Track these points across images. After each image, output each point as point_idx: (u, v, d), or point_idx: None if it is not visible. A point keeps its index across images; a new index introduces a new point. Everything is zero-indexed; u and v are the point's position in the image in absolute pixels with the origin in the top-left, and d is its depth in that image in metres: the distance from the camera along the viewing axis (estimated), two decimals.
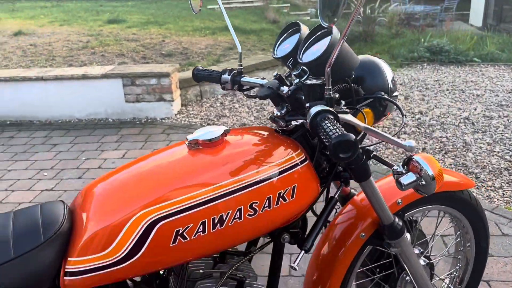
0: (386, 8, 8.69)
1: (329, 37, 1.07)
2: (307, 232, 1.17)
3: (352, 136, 0.85)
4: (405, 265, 1.39)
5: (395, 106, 1.19)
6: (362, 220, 1.34)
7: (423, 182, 1.05)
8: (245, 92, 1.28)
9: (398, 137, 1.20)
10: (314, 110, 0.95)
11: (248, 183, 1.00)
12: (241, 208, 0.99)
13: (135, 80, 4.38)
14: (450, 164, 3.14)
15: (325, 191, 1.23)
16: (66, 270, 0.90)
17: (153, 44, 6.15)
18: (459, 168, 3.08)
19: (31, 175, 3.21)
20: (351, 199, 1.39)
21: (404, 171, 1.05)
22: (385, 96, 1.16)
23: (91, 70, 4.55)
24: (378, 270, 1.50)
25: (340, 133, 0.86)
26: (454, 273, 1.72)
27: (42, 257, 0.89)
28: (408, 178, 1.07)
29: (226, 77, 1.32)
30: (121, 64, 5.26)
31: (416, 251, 1.44)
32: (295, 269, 1.14)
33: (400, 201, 1.35)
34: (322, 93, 1.00)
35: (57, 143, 3.81)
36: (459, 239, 1.66)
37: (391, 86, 1.18)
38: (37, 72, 4.62)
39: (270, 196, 1.03)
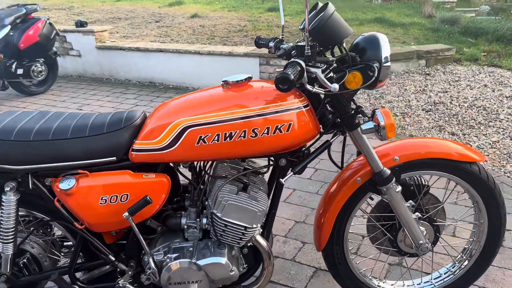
0: None
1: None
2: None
3: (290, 75, 1.23)
4: (395, 213, 1.65)
5: (389, 74, 1.48)
6: (362, 168, 1.65)
7: (380, 130, 1.35)
8: (278, 54, 1.68)
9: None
10: (290, 60, 1.34)
11: (253, 114, 1.44)
12: (245, 130, 1.44)
13: (270, 60, 4.99)
14: None
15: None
16: (133, 147, 1.49)
17: (298, 31, 6.70)
18: None
19: None
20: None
21: (368, 120, 1.37)
22: (375, 65, 1.45)
23: (237, 49, 5.33)
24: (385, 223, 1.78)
25: (284, 71, 1.24)
26: (468, 245, 1.86)
27: (120, 137, 1.49)
28: (368, 125, 1.40)
29: (271, 44, 1.74)
30: None
31: (408, 204, 1.67)
32: (282, 184, 1.55)
33: (397, 158, 1.62)
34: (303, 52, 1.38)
35: None
36: (474, 213, 1.80)
37: (383, 59, 1.46)
38: (196, 47, 5.60)
39: (269, 127, 1.45)
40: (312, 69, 1.37)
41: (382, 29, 6.95)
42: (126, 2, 10.75)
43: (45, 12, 9.00)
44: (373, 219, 1.79)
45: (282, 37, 1.73)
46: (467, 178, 1.69)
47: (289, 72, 1.25)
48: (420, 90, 4.86)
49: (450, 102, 4.41)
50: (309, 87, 1.37)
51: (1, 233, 1.53)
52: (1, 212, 1.51)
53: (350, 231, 1.77)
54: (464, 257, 1.87)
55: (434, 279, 1.91)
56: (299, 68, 1.30)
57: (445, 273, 1.90)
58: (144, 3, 10.41)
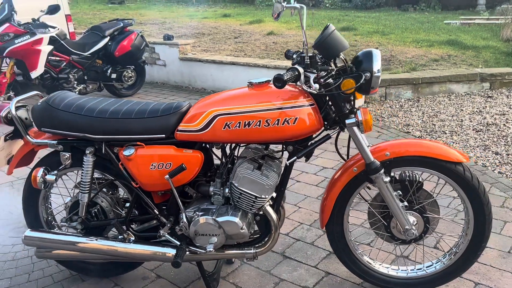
0: None
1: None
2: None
3: (283, 76, 1.63)
4: (384, 200, 1.96)
5: (379, 82, 1.83)
6: (359, 160, 1.99)
7: (360, 125, 1.72)
8: (292, 63, 2.06)
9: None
10: (291, 66, 1.74)
11: (267, 108, 1.86)
12: (260, 120, 1.86)
13: None
14: None
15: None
16: (178, 128, 1.97)
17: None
18: None
19: None
20: None
21: (352, 116, 1.75)
22: (367, 74, 1.80)
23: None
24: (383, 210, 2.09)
25: (280, 73, 1.64)
26: (458, 239, 2.09)
27: (170, 119, 1.98)
28: (350, 120, 1.76)
29: (294, 56, 2.12)
30: None
31: (395, 193, 1.96)
32: (287, 165, 1.94)
33: (388, 153, 1.94)
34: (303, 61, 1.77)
35: None
36: (463, 209, 2.03)
37: (375, 69, 1.81)
38: (265, 61, 6.13)
39: (279, 119, 1.86)
40: (308, 74, 1.76)
41: (452, 51, 6.97)
42: (212, 19, 11.68)
43: (141, 26, 10.15)
44: (372, 206, 2.11)
45: (302, 53, 2.13)
46: (453, 177, 1.94)
47: (283, 74, 1.66)
48: (476, 111, 4.91)
49: (504, 124, 4.44)
50: (304, 87, 1.76)
51: (81, 185, 2.10)
52: (82, 169, 2.08)
53: (350, 214, 2.11)
54: (454, 250, 2.10)
55: (427, 267, 2.16)
56: (296, 73, 1.71)
57: (436, 263, 2.14)
58: (228, 21, 11.25)
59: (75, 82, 5.75)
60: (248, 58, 6.61)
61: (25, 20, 5.43)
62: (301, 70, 1.74)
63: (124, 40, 5.97)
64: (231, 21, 11.25)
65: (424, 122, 4.67)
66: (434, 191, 2.09)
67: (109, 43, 5.93)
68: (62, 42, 5.55)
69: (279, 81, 1.67)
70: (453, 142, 4.08)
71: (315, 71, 1.80)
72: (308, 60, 1.79)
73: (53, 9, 5.40)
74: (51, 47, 5.39)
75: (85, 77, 5.89)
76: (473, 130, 4.37)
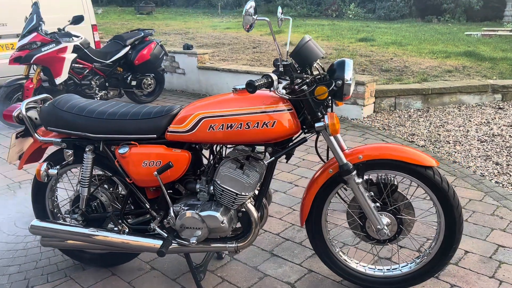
0: None
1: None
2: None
3: (254, 82, 1.78)
4: (357, 200, 2.08)
5: (351, 89, 1.96)
6: (335, 163, 2.12)
7: (327, 128, 1.86)
8: (272, 71, 2.21)
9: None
10: (266, 74, 1.89)
11: (248, 112, 2.01)
12: (242, 123, 2.02)
13: None
14: None
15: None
16: (168, 129, 2.15)
17: (379, 61, 7.04)
18: None
19: None
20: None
21: (321, 119, 1.88)
22: (339, 82, 1.94)
23: None
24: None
25: (253, 80, 1.80)
26: (432, 241, 2.18)
27: (161, 121, 2.16)
28: (319, 124, 1.89)
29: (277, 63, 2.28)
30: None
31: (367, 194, 2.08)
32: (266, 165, 2.08)
33: (361, 156, 2.06)
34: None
35: None
36: (435, 212, 2.12)
37: (346, 78, 1.94)
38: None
39: (259, 122, 2.01)
40: (281, 81, 1.91)
41: (468, 62, 6.96)
42: (234, 30, 11.97)
43: (165, 36, 10.52)
44: (350, 207, 2.22)
45: (283, 62, 2.27)
46: (423, 180, 2.05)
47: (255, 80, 1.82)
48: (484, 122, 4.92)
49: (510, 135, 4.45)
50: (276, 93, 1.91)
51: (81, 180, 2.31)
52: (82, 166, 2.28)
53: (328, 214, 2.23)
54: (428, 251, 2.19)
55: (402, 267, 2.25)
56: (269, 80, 1.86)
57: (411, 263, 2.24)
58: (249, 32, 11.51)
59: (97, 88, 6.06)
60: (262, 68, 6.79)
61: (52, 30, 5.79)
62: (274, 77, 1.89)
63: (144, 49, 6.26)
64: (252, 31, 11.49)
65: (430, 132, 4.72)
66: (407, 194, 2.19)
67: (130, 52, 6.23)
68: (85, 50, 5.88)
69: (250, 86, 1.83)
70: (455, 152, 4.13)
71: (287, 78, 1.95)
72: (282, 68, 1.94)
73: (77, 20, 5.73)
74: (74, 55, 5.72)
75: (107, 84, 6.20)
76: (477, 140, 4.39)
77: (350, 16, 16.01)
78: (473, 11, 14.33)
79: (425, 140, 4.48)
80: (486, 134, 4.55)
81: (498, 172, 3.64)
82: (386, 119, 5.25)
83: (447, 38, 9.37)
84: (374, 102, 5.47)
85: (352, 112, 5.37)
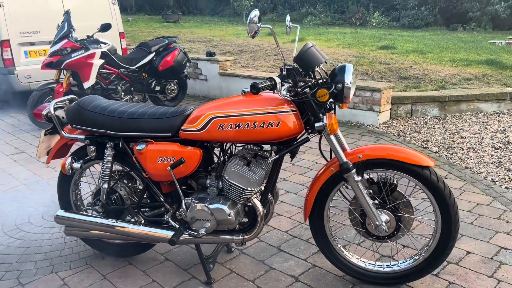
0: None
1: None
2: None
3: (258, 84, 1.93)
4: (356, 197, 2.20)
5: (352, 92, 2.09)
6: (337, 161, 2.24)
7: (325, 128, 1.99)
8: (277, 75, 2.36)
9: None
10: (270, 77, 2.04)
11: (255, 113, 2.17)
12: (248, 123, 2.18)
13: (355, 91, 5.55)
14: None
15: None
16: (182, 128, 2.32)
17: (398, 68, 7.09)
18: None
19: None
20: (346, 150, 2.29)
21: (321, 120, 2.02)
22: (339, 85, 2.07)
23: None
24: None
25: (257, 82, 1.94)
26: (429, 238, 2.27)
27: (175, 121, 2.33)
28: (318, 124, 2.03)
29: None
30: None
31: (366, 192, 2.19)
32: (270, 162, 2.22)
33: (360, 155, 2.18)
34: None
35: None
36: (433, 210, 2.21)
37: (346, 81, 2.07)
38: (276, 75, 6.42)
39: (264, 122, 2.16)
40: (284, 83, 2.06)
41: (488, 70, 6.94)
42: (257, 37, 12.18)
43: (189, 43, 10.82)
44: (352, 205, 2.34)
45: (286, 68, 2.40)
46: (420, 179, 2.15)
47: (259, 82, 1.97)
48: (501, 129, 4.93)
49: None
50: (280, 94, 2.06)
51: (102, 174, 2.50)
52: (103, 161, 2.48)
53: (330, 211, 2.35)
54: (425, 248, 2.28)
55: (401, 263, 2.34)
56: (273, 82, 2.01)
57: (409, 259, 2.33)
58: (271, 39, 11.69)
59: (123, 93, 6.34)
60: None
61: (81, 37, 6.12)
62: (277, 80, 2.04)
63: (168, 56, 6.52)
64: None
65: (445, 138, 4.76)
66: (406, 193, 2.29)
67: (154, 58, 6.50)
68: (112, 56, 6.17)
69: (254, 88, 1.98)
70: (468, 158, 4.17)
71: (290, 81, 2.10)
72: (286, 72, 2.09)
73: (105, 27, 6.03)
74: (102, 61, 6.01)
75: (132, 89, 6.48)
76: (491, 147, 4.42)
77: (374, 24, 16.03)
78: (499, 19, 14.14)
79: (438, 146, 4.53)
80: (501, 141, 4.57)
81: (509, 178, 3.67)
82: (402, 125, 5.31)
83: (470, 47, 9.31)
84: (390, 109, 5.54)
85: (368, 118, 5.46)
